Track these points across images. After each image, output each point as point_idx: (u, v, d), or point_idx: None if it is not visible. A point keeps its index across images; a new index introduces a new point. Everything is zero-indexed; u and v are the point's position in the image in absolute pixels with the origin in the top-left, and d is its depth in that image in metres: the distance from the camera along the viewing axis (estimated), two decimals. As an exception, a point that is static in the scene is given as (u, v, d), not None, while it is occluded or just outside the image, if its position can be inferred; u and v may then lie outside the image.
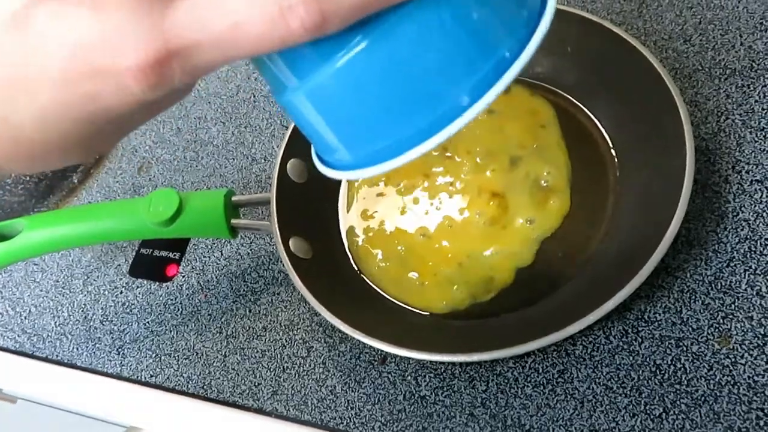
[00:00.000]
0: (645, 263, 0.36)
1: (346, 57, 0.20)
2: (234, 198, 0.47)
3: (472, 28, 0.20)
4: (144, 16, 0.18)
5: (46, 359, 0.54)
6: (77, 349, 0.53)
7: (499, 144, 0.49)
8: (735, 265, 0.39)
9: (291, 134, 0.50)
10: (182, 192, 0.46)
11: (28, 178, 0.66)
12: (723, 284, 0.39)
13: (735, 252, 0.40)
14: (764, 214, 0.40)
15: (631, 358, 0.39)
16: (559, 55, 0.49)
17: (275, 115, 0.59)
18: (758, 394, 0.35)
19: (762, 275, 0.38)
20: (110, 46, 0.19)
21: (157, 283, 0.54)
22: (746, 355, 0.36)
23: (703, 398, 0.36)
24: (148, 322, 0.52)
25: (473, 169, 0.49)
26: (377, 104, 0.21)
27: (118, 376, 0.50)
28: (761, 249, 0.39)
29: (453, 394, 0.41)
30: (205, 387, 0.47)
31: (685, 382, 0.37)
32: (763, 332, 0.37)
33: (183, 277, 0.53)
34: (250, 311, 0.49)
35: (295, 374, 0.45)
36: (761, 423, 0.34)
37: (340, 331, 0.42)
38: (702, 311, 0.38)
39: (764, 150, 0.42)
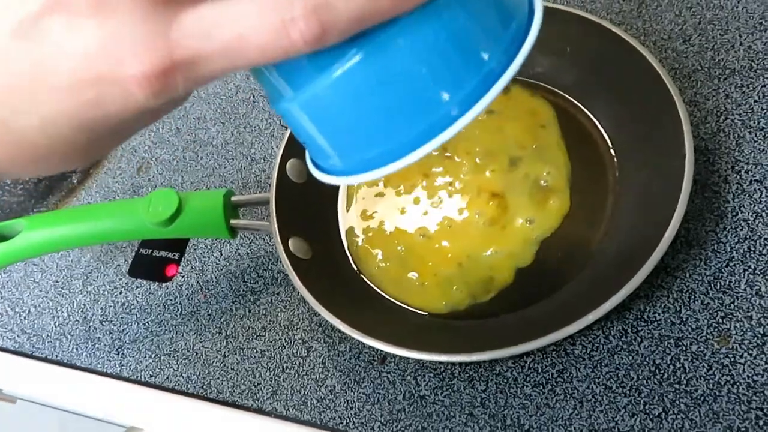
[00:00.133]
0: (644, 263, 0.36)
1: (341, 69, 0.21)
2: (233, 198, 0.47)
3: (462, 43, 0.21)
4: (151, 27, 0.19)
5: (45, 359, 0.54)
6: (77, 349, 0.53)
7: (498, 144, 0.49)
8: (734, 265, 0.39)
9: (290, 134, 0.50)
10: (181, 192, 0.46)
11: (27, 179, 0.66)
12: (722, 284, 0.39)
13: (734, 252, 0.40)
14: (763, 214, 0.40)
15: (630, 357, 0.39)
16: (558, 55, 0.49)
17: (274, 115, 0.59)
18: (757, 394, 0.35)
19: (761, 275, 0.38)
20: (116, 55, 0.19)
21: (157, 284, 0.54)
22: (746, 354, 0.36)
23: (702, 398, 0.36)
24: (147, 323, 0.52)
25: (473, 170, 0.49)
26: (370, 114, 0.22)
27: (118, 376, 0.50)
28: (760, 249, 0.39)
29: (452, 393, 0.41)
30: (204, 387, 0.47)
31: (685, 382, 0.37)
32: (762, 332, 0.37)
33: (182, 277, 0.53)
34: (249, 311, 0.49)
35: (294, 374, 0.45)
36: (761, 423, 0.34)
37: (339, 331, 0.42)
38: (701, 311, 0.38)
39: (763, 150, 0.42)
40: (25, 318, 0.56)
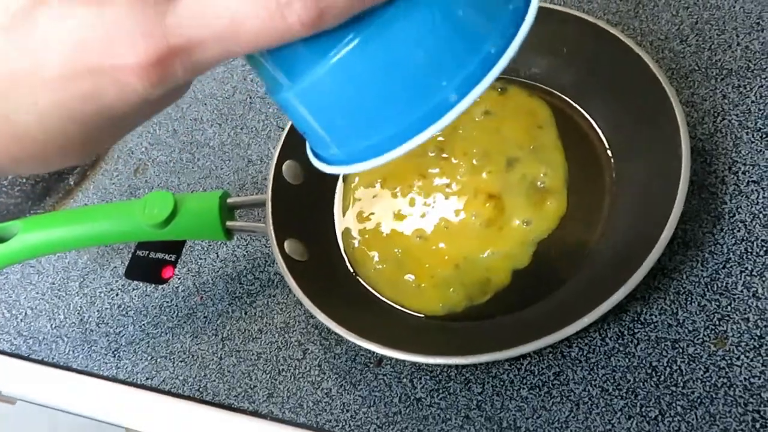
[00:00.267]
0: (641, 265, 0.36)
1: (338, 55, 0.20)
2: (229, 200, 0.47)
3: (460, 25, 0.21)
4: (146, 14, 0.19)
5: (42, 362, 0.54)
6: (73, 351, 0.53)
7: (495, 145, 0.49)
8: (731, 267, 0.39)
9: (286, 136, 0.50)
10: (177, 194, 0.46)
11: (24, 180, 0.66)
12: (719, 286, 0.39)
13: (731, 253, 0.39)
14: (761, 215, 0.40)
15: (627, 360, 0.38)
16: (555, 55, 0.49)
17: (271, 116, 0.59)
18: (754, 396, 0.35)
19: (758, 276, 0.38)
20: (112, 45, 0.19)
21: (153, 285, 0.54)
22: (742, 356, 0.36)
23: (699, 400, 0.36)
24: (143, 325, 0.52)
25: (469, 171, 0.49)
26: (368, 101, 0.22)
27: (114, 379, 0.50)
28: (757, 250, 0.39)
29: (448, 396, 0.41)
30: (200, 389, 0.47)
31: (681, 384, 0.37)
32: (759, 334, 0.37)
33: (179, 279, 0.53)
34: (245, 313, 0.49)
35: (290, 377, 0.45)
36: (757, 425, 0.34)
37: (335, 334, 0.41)
38: (698, 313, 0.38)
39: (761, 151, 0.42)
40: (21, 320, 0.56)
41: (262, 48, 0.20)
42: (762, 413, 0.35)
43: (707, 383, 0.36)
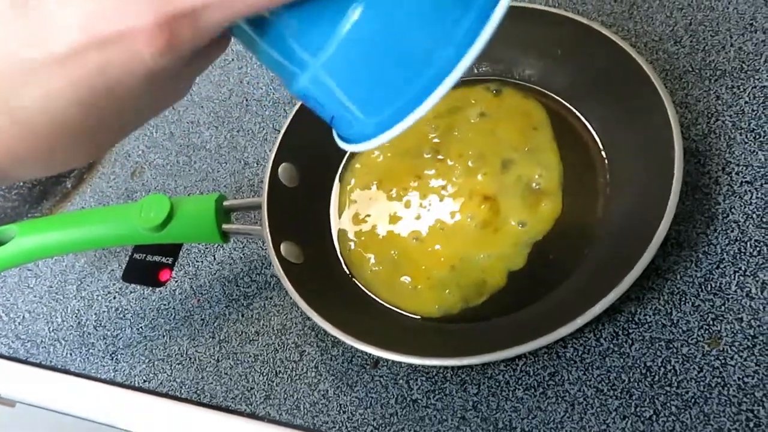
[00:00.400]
0: (634, 265, 0.36)
1: (356, 12, 0.21)
2: (225, 203, 0.47)
3: None
4: None
5: (40, 365, 0.54)
6: (71, 354, 0.53)
7: (491, 147, 0.49)
8: (725, 267, 0.39)
9: (282, 138, 0.50)
10: (174, 197, 0.46)
11: (21, 184, 0.66)
12: (713, 286, 0.39)
13: (725, 254, 0.40)
14: (754, 215, 0.40)
15: (621, 360, 0.39)
16: (549, 57, 0.50)
17: (268, 119, 0.59)
18: (748, 396, 0.35)
19: (751, 276, 0.38)
20: (118, 13, 0.19)
21: (151, 288, 0.54)
22: (736, 356, 0.36)
23: (693, 400, 0.36)
24: (141, 327, 0.52)
25: (465, 172, 0.49)
26: (391, 57, 0.23)
27: (112, 382, 0.50)
28: (751, 250, 0.39)
29: (444, 397, 0.41)
30: (198, 392, 0.47)
31: (676, 384, 0.37)
32: (752, 333, 0.37)
33: (176, 281, 0.53)
34: (242, 316, 0.49)
35: (287, 378, 0.45)
36: (751, 425, 0.35)
37: (332, 336, 0.42)
38: (692, 313, 0.39)
39: (754, 151, 0.42)
40: (19, 323, 0.56)
41: (268, 6, 0.20)
42: (755, 412, 0.35)
43: (701, 383, 0.36)
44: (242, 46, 0.25)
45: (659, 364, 0.38)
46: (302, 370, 0.45)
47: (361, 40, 0.22)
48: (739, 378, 0.36)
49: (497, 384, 0.40)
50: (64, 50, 0.19)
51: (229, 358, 0.48)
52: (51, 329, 0.55)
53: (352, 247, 0.49)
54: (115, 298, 0.54)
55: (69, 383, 0.52)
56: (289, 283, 0.43)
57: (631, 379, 0.38)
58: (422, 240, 0.47)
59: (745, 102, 0.44)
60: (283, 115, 0.59)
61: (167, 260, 0.54)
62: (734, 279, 0.39)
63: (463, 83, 0.53)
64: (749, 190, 0.41)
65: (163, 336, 0.51)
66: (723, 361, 0.37)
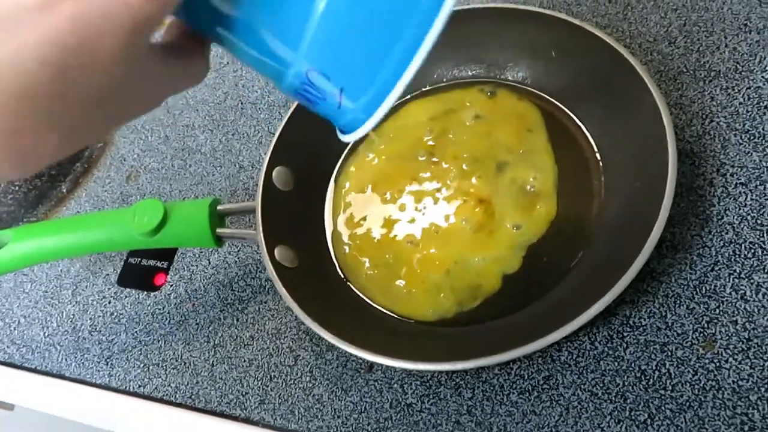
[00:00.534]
0: (629, 268, 0.36)
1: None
2: (220, 207, 0.47)
3: None
4: None
5: (35, 370, 0.54)
6: (66, 359, 0.53)
7: (485, 149, 0.49)
8: (719, 269, 0.39)
9: (276, 142, 0.50)
10: (167, 202, 0.46)
11: (17, 188, 0.66)
12: (707, 288, 0.39)
13: (719, 256, 0.39)
14: (748, 217, 0.40)
15: (616, 363, 0.38)
16: (544, 59, 0.49)
17: (262, 122, 0.59)
18: (742, 399, 0.35)
19: (746, 279, 0.38)
20: None
21: (146, 293, 0.54)
22: (731, 359, 0.36)
23: (687, 403, 0.36)
24: (136, 332, 0.52)
25: (460, 175, 0.49)
26: (363, 38, 0.23)
27: (107, 387, 0.50)
28: (745, 252, 0.39)
29: (439, 401, 0.41)
30: (192, 397, 0.47)
31: (670, 388, 0.37)
32: (747, 336, 0.37)
33: (171, 286, 0.53)
34: (237, 320, 0.49)
35: (282, 383, 0.45)
36: (746, 428, 0.34)
37: (326, 340, 0.41)
38: (687, 316, 0.38)
39: (748, 152, 0.42)
40: (14, 329, 0.56)
41: None
42: (750, 416, 0.35)
43: (696, 386, 0.36)
44: (229, 54, 0.25)
45: (654, 368, 0.38)
46: (297, 374, 0.45)
47: (336, 21, 0.22)
48: (733, 381, 0.36)
49: (492, 388, 0.40)
50: (37, 3, 0.18)
51: (223, 363, 0.48)
52: (46, 334, 0.55)
53: (347, 250, 0.49)
54: (110, 302, 0.54)
55: (64, 388, 0.52)
56: (283, 288, 0.43)
57: (626, 383, 0.38)
58: (417, 243, 0.47)
59: (740, 103, 0.44)
60: (278, 118, 0.59)
61: (162, 264, 0.54)
62: (729, 281, 0.38)
63: (457, 85, 0.53)
64: (744, 192, 0.41)
65: (158, 341, 0.51)
66: (718, 364, 0.36)
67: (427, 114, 0.52)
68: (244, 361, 0.47)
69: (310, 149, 0.51)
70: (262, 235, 0.45)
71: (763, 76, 0.44)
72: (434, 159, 0.50)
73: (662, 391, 0.37)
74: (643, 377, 0.38)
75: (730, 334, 0.37)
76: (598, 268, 0.41)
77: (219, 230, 0.46)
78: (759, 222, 0.40)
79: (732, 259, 0.39)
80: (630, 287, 0.36)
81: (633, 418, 0.37)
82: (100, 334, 0.53)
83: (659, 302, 0.39)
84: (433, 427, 0.40)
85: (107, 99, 0.21)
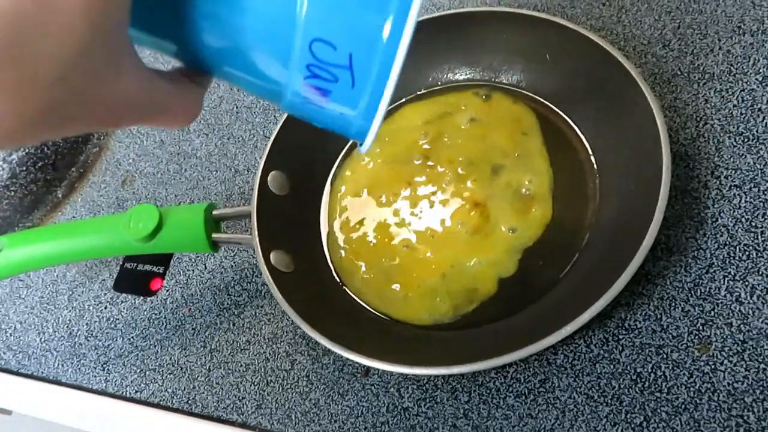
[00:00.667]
0: (624, 270, 0.36)
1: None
2: (215, 212, 0.47)
3: None
4: None
5: (31, 376, 0.54)
6: (62, 365, 0.53)
7: (481, 153, 0.49)
8: (714, 272, 0.39)
9: (271, 146, 0.50)
10: (163, 207, 0.46)
11: (12, 194, 0.66)
12: (702, 291, 0.39)
13: (714, 258, 0.40)
14: (743, 219, 0.40)
15: (611, 366, 0.39)
16: (538, 62, 0.49)
17: (258, 125, 0.59)
18: (738, 401, 0.35)
19: (741, 281, 0.38)
20: None
21: (142, 298, 0.54)
22: (726, 361, 0.36)
23: (683, 406, 0.36)
24: (132, 337, 0.52)
25: (455, 179, 0.49)
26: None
27: (104, 392, 0.50)
28: (740, 255, 0.39)
29: (436, 405, 0.41)
30: (189, 402, 0.47)
31: (666, 390, 0.37)
32: (742, 338, 0.37)
33: (167, 291, 0.53)
34: (233, 324, 0.49)
35: (279, 387, 0.45)
36: (741, 430, 0.34)
37: (322, 344, 0.41)
38: (682, 318, 0.38)
39: (742, 155, 0.42)
40: (11, 335, 0.56)
41: None
42: (746, 418, 0.35)
43: (691, 389, 0.36)
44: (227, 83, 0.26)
45: (649, 370, 0.38)
46: (293, 379, 0.45)
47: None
48: (729, 383, 0.36)
49: (488, 391, 0.40)
50: None
51: (220, 368, 0.47)
52: (42, 340, 0.55)
53: (343, 254, 0.49)
54: (106, 308, 0.54)
55: (61, 394, 0.52)
56: (279, 293, 0.43)
57: (622, 386, 0.38)
58: (413, 247, 0.47)
59: (734, 105, 0.44)
60: (274, 122, 0.59)
61: (158, 269, 0.54)
62: (724, 283, 0.39)
63: (452, 88, 0.53)
64: (738, 194, 0.41)
65: (155, 346, 0.50)
66: (713, 367, 0.37)
67: (422, 117, 0.53)
68: (241, 365, 0.47)
69: (306, 153, 0.51)
70: (257, 239, 0.45)
71: (756, 79, 0.44)
72: (429, 162, 0.50)
73: (658, 394, 0.37)
74: (638, 380, 0.38)
75: (725, 337, 0.37)
76: (594, 270, 0.41)
77: (215, 235, 0.46)
78: (753, 224, 0.40)
79: (727, 262, 0.39)
80: (625, 290, 0.36)
81: (629, 420, 0.37)
82: (96, 340, 0.53)
83: (654, 305, 0.39)
84: (429, 431, 0.40)
85: (71, 72, 0.19)
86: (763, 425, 0.34)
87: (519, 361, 0.40)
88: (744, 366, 0.36)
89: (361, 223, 0.49)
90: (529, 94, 0.50)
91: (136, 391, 0.49)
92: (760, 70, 0.45)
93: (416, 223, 0.48)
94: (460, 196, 0.48)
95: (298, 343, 0.46)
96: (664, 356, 0.38)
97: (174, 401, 0.47)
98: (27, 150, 0.68)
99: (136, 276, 0.55)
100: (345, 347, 0.40)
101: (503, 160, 0.48)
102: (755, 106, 0.44)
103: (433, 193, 0.49)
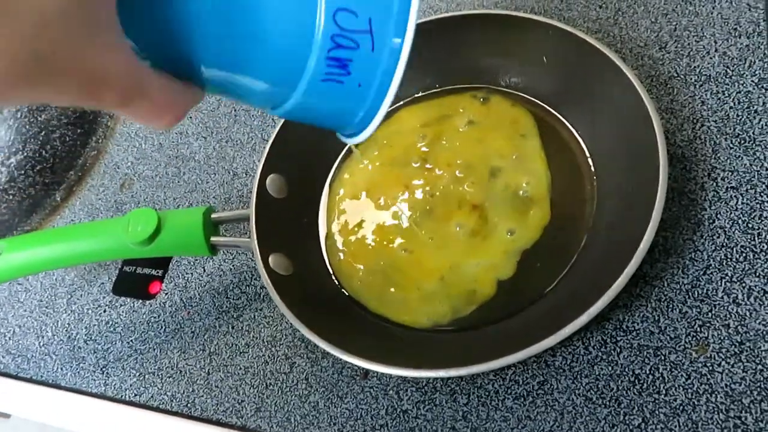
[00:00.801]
0: (622, 272, 0.36)
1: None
2: (213, 215, 0.47)
3: None
4: None
5: (30, 380, 0.54)
6: (61, 369, 0.53)
7: (479, 155, 0.49)
8: (711, 273, 0.39)
9: (270, 149, 0.50)
10: (161, 211, 0.46)
11: (11, 197, 0.66)
12: (700, 292, 0.39)
13: (711, 260, 0.40)
14: (740, 221, 0.40)
15: (610, 368, 0.39)
16: (535, 65, 0.50)
17: (256, 128, 0.59)
18: (735, 402, 0.35)
19: (738, 282, 0.38)
20: None
21: (141, 301, 0.54)
22: (723, 363, 0.37)
23: (681, 407, 0.36)
24: (131, 341, 0.52)
25: (453, 181, 0.49)
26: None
27: (103, 396, 0.50)
28: (737, 256, 0.39)
29: (434, 407, 0.41)
30: (188, 405, 0.47)
31: (664, 392, 0.37)
32: (739, 340, 0.37)
33: (166, 294, 0.53)
34: (232, 328, 0.49)
35: (278, 390, 0.45)
36: (738, 431, 0.35)
37: (321, 347, 0.42)
38: (679, 320, 0.39)
39: (739, 156, 0.42)
40: (9, 338, 0.56)
41: None
42: (743, 419, 0.35)
43: (689, 390, 0.37)
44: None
45: (647, 372, 0.38)
46: (292, 381, 0.45)
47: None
48: (726, 385, 0.36)
49: (487, 393, 0.40)
50: None
51: (219, 371, 0.48)
52: (41, 343, 0.55)
53: (342, 257, 0.49)
54: (105, 311, 0.54)
55: (60, 398, 0.52)
56: (278, 296, 0.43)
57: (620, 387, 0.38)
58: (411, 250, 0.47)
59: (730, 107, 0.44)
60: (272, 125, 0.59)
61: (157, 272, 0.54)
62: (721, 285, 0.39)
63: (450, 91, 0.54)
64: (735, 196, 0.41)
65: (154, 349, 0.50)
66: (710, 368, 0.37)
67: (420, 120, 0.53)
68: (240, 368, 0.47)
69: (304, 156, 0.51)
70: (256, 242, 0.45)
71: (753, 81, 0.45)
72: (428, 165, 0.50)
73: (656, 395, 0.37)
74: (636, 381, 0.38)
75: (722, 338, 0.37)
76: (592, 272, 0.41)
77: (213, 239, 0.46)
78: (750, 225, 0.40)
79: (724, 263, 0.39)
80: (623, 292, 0.36)
81: (627, 422, 0.37)
82: (95, 343, 0.53)
83: (652, 306, 0.40)
84: (428, 434, 0.40)
85: (52, 27, 0.19)
86: (760, 426, 0.34)
87: (518, 363, 0.41)
88: (741, 367, 0.36)
89: (359, 225, 0.50)
90: (527, 96, 0.50)
91: (135, 395, 0.49)
92: (756, 72, 0.45)
93: (414, 226, 0.48)
94: (459, 199, 0.48)
95: (297, 345, 0.46)
96: (662, 358, 0.38)
97: (173, 404, 0.47)
98: (26, 154, 0.68)
99: (135, 279, 0.55)
100: (344, 350, 0.40)
101: (501, 162, 0.48)
102: (751, 108, 0.44)
103: (432, 196, 0.49)
